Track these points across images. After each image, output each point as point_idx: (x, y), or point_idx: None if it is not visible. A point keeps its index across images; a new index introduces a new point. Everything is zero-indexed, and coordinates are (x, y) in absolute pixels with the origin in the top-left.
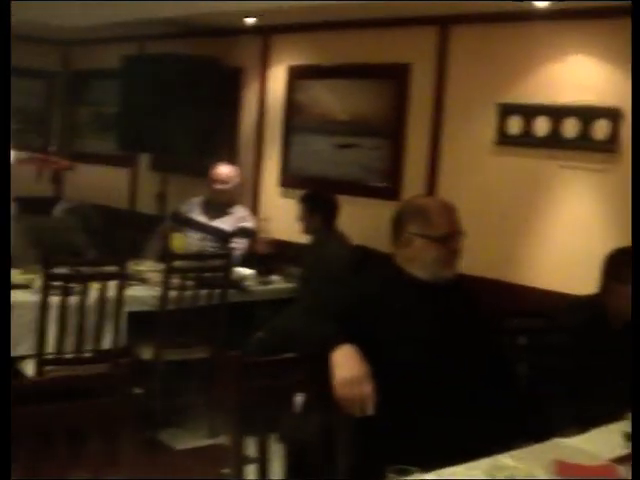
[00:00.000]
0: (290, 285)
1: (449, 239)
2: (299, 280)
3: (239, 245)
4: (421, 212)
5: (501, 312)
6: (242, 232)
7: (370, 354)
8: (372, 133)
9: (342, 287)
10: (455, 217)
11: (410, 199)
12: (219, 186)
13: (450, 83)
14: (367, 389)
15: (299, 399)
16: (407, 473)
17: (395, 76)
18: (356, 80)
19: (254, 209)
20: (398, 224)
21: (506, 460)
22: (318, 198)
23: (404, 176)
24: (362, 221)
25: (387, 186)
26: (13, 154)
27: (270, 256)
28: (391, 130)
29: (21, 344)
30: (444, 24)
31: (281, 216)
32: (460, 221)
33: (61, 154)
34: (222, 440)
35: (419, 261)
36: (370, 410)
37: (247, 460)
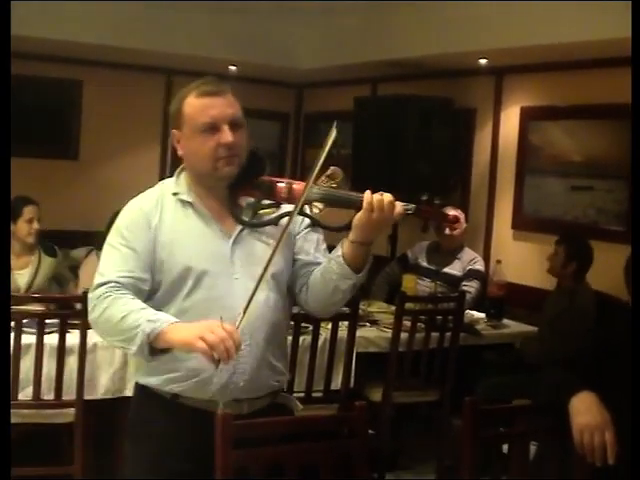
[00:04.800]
0: (520, 329)
1: None
2: (540, 331)
3: (470, 288)
4: None
5: None
6: (472, 274)
7: (611, 403)
8: (608, 175)
9: (582, 336)
10: None
11: None
12: (448, 231)
13: None
14: (610, 437)
15: (534, 447)
16: None
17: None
18: (591, 120)
19: (486, 251)
20: (629, 269)
21: None
22: (580, 244)
23: None
24: (597, 265)
25: (623, 230)
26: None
27: (502, 299)
28: (628, 172)
29: None
30: None
31: (513, 259)
32: None
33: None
34: None
35: None
36: (611, 459)
37: None
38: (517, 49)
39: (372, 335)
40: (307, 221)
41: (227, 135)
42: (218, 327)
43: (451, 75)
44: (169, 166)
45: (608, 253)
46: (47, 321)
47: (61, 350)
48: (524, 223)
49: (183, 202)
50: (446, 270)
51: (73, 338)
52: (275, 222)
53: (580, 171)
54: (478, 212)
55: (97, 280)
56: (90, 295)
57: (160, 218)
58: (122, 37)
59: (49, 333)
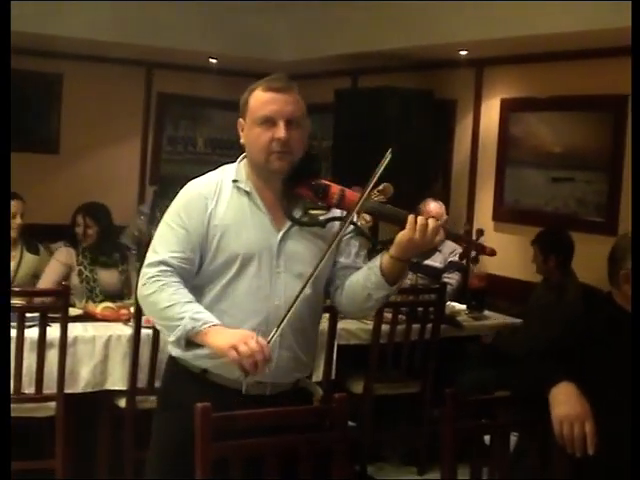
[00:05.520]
0: (501, 321)
1: None
2: (528, 322)
3: (451, 280)
4: None
5: None
6: (453, 266)
7: (590, 394)
8: (588, 166)
9: (563, 326)
10: None
11: (624, 234)
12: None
13: None
14: (589, 428)
15: (514, 438)
16: None
17: (612, 108)
18: (571, 112)
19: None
20: (615, 261)
21: None
22: (554, 238)
23: (621, 211)
24: (577, 256)
25: (603, 221)
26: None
27: (483, 291)
28: (608, 163)
29: None
30: None
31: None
32: None
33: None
34: (430, 476)
35: None
36: (591, 450)
37: None
38: (497, 41)
39: (353, 327)
40: (352, 225)
41: (281, 131)
42: (252, 339)
43: (431, 67)
44: (150, 159)
45: (588, 244)
46: (27, 315)
47: (42, 344)
48: (505, 215)
49: (240, 190)
50: (427, 262)
51: (54, 332)
52: (323, 224)
53: (560, 162)
54: (459, 204)
55: (151, 257)
56: (143, 270)
57: (217, 203)
58: (102, 30)
59: (30, 327)
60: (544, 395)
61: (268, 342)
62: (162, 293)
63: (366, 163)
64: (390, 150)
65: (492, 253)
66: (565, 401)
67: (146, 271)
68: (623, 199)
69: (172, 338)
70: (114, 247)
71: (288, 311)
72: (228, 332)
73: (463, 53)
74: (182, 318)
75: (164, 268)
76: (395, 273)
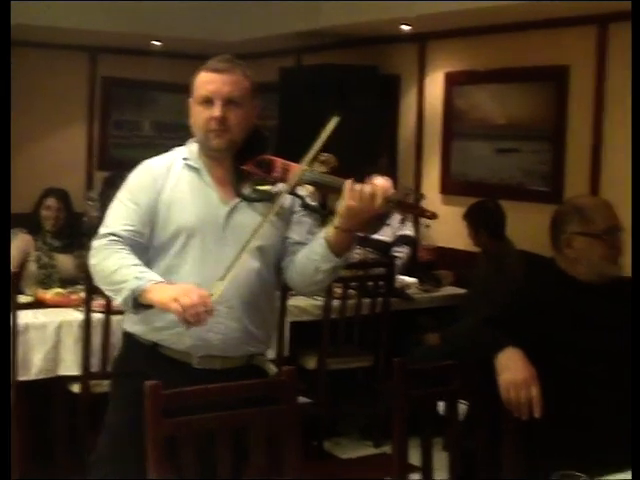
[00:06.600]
0: (452, 292)
1: (610, 234)
2: (471, 295)
3: (400, 253)
4: (578, 210)
5: None
6: (402, 240)
7: (536, 358)
8: (532, 137)
9: (505, 293)
10: (614, 212)
11: (567, 200)
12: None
13: (610, 83)
14: (534, 392)
15: (463, 406)
16: (574, 479)
17: (554, 78)
18: (514, 84)
19: (415, 216)
20: (556, 226)
21: None
22: (482, 211)
23: (566, 179)
24: (523, 225)
25: (548, 190)
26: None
27: (432, 263)
28: (551, 133)
29: None
30: (603, 23)
31: (442, 223)
32: (620, 217)
33: None
34: (387, 449)
35: (583, 261)
36: (537, 413)
37: (412, 469)
38: (439, 15)
39: (304, 304)
40: (298, 199)
41: (217, 110)
42: (193, 292)
43: (375, 43)
44: (96, 144)
45: (534, 213)
46: None
47: None
48: (452, 187)
49: (190, 167)
50: (376, 236)
51: None
52: (269, 199)
53: (505, 134)
54: (406, 178)
55: (101, 230)
56: (93, 243)
57: (165, 179)
58: (44, 16)
59: None
60: (490, 361)
61: (211, 296)
62: (109, 260)
63: (311, 141)
64: (336, 115)
65: (433, 216)
66: (511, 366)
67: (94, 243)
68: (567, 168)
69: (119, 300)
70: (72, 232)
71: (227, 272)
72: (170, 287)
73: (406, 28)
74: (126, 280)
75: (113, 238)
76: (340, 244)
